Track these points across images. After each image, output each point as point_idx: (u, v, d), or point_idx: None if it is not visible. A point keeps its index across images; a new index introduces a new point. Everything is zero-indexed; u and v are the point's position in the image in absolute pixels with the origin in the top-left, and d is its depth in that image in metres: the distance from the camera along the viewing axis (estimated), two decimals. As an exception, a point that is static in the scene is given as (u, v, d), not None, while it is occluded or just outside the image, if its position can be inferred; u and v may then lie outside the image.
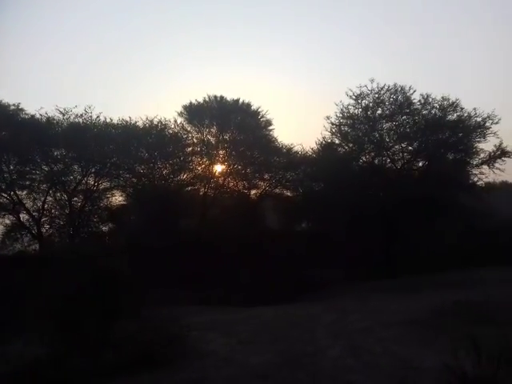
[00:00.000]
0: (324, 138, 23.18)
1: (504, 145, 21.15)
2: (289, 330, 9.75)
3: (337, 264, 19.39)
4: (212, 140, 25.15)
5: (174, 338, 8.00)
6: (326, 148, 23.30)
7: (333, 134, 22.78)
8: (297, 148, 25.18)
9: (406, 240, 20.83)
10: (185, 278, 16.42)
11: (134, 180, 23.67)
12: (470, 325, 8.27)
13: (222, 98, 25.22)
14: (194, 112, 25.09)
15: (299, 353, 7.70)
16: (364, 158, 22.95)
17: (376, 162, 22.69)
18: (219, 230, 20.30)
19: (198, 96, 25.64)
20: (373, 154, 22.53)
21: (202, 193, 25.11)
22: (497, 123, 21.00)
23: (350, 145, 22.70)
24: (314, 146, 24.12)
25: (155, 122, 23.85)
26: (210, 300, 15.15)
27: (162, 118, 24.10)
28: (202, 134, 25.13)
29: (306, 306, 13.33)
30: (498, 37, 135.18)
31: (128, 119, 23.69)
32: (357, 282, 17.74)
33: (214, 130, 25.17)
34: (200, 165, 24.81)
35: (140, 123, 23.77)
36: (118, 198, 24.41)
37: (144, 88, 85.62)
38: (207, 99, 25.32)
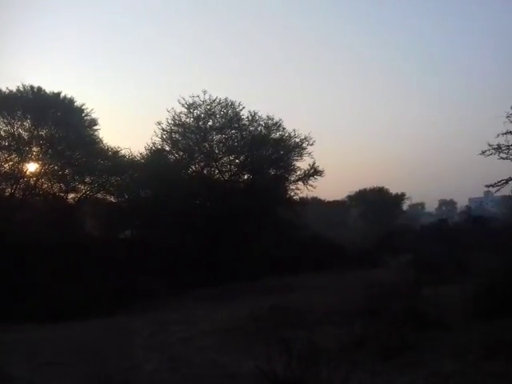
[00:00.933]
0: (154, 143, 22.55)
1: (316, 164, 23.49)
2: (103, 346, 9.09)
3: (161, 273, 18.87)
4: (24, 135, 22.11)
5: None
6: (155, 154, 22.64)
7: (163, 140, 22.34)
8: (124, 152, 23.83)
9: (229, 249, 21.47)
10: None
11: None
12: (283, 329, 8.70)
13: (39, 89, 22.45)
14: (2, 101, 21.76)
15: (113, 370, 7.11)
16: (194, 168, 23.04)
17: (205, 172, 22.98)
18: (27, 236, 17.87)
19: (10, 84, 22.36)
20: (202, 163, 22.80)
21: (7, 194, 21.80)
22: (312, 145, 23.32)
23: (181, 153, 22.57)
24: (143, 151, 23.24)
25: None
26: (12, 316, 13.02)
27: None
28: (13, 126, 21.91)
29: (125, 319, 12.65)
30: (325, 69, 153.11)
31: None
32: (181, 291, 17.56)
33: (27, 124, 22.16)
34: (7, 162, 21.58)
35: None
36: None
37: None
38: (21, 89, 22.24)
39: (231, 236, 21.71)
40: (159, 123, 21.98)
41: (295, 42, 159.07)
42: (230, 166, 22.93)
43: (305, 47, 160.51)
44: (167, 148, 22.79)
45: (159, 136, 22.18)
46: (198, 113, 21.88)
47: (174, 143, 22.35)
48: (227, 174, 23.03)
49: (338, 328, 8.84)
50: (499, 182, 11.34)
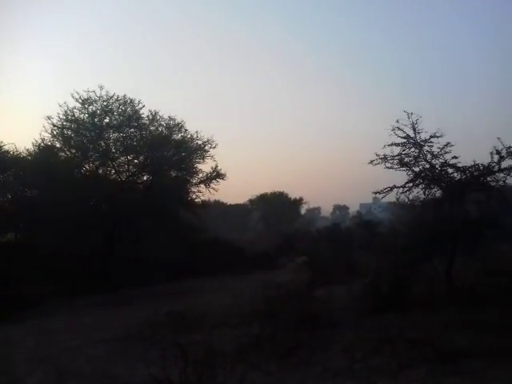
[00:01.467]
0: (43, 139, 20.71)
1: (219, 167, 23.47)
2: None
3: (49, 279, 17.53)
4: None
5: None
6: (44, 151, 20.85)
7: (54, 136, 20.60)
8: (8, 147, 21.53)
9: (126, 252, 20.57)
10: None
11: None
12: (179, 334, 8.55)
13: None
14: None
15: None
16: (88, 167, 21.66)
17: (100, 171, 21.73)
18: None
19: None
20: (97, 163, 21.49)
21: None
22: (214, 148, 23.21)
23: (73, 150, 21.05)
24: (30, 147, 21.28)
25: None
26: None
27: None
28: None
29: (5, 329, 11.56)
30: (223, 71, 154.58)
31: None
32: (71, 297, 16.45)
33: None
34: None
35: None
36: None
37: None
38: None
39: (128, 239, 20.78)
40: (49, 118, 20.30)
41: (197, 44, 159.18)
42: (128, 166, 21.85)
43: (209, 49, 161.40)
44: (58, 145, 21.09)
45: (49, 131, 20.49)
46: (94, 109, 20.54)
47: (65, 140, 20.72)
48: (125, 174, 21.90)
49: (236, 330, 8.92)
50: (385, 189, 12.21)
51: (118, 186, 21.16)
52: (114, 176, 21.86)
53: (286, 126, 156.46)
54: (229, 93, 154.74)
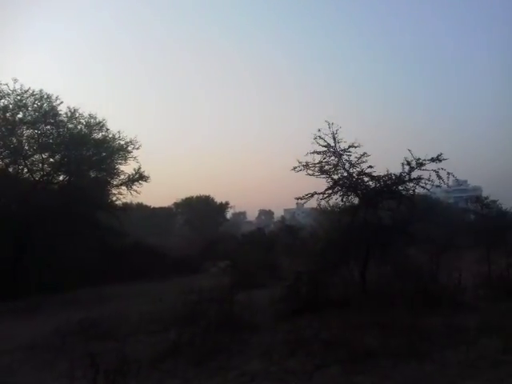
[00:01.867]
0: None
1: (142, 169, 22.81)
2: None
3: None
4: None
5: None
6: None
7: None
8: None
9: (37, 257, 19.26)
10: None
11: None
12: (93, 342, 8.17)
13: None
14: None
15: None
16: (-3, 165, 20.02)
17: (11, 169, 20.19)
18: None
19: None
20: (8, 160, 19.94)
21: None
22: (138, 149, 22.53)
23: (-22, 149, 19.37)
24: None
25: None
26: None
27: None
28: None
29: None
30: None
31: None
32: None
33: None
34: None
35: None
36: None
37: None
38: None
39: (40, 243, 19.42)
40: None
41: (126, 45, 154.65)
42: (43, 164, 20.42)
43: (132, 48, 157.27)
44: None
45: None
46: (6, 103, 19.12)
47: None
48: (39, 173, 20.47)
49: (153, 337, 8.66)
50: (306, 195, 12.47)
51: (30, 186, 19.79)
52: (26, 175, 20.47)
53: (214, 130, 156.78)
54: (153, 94, 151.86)
